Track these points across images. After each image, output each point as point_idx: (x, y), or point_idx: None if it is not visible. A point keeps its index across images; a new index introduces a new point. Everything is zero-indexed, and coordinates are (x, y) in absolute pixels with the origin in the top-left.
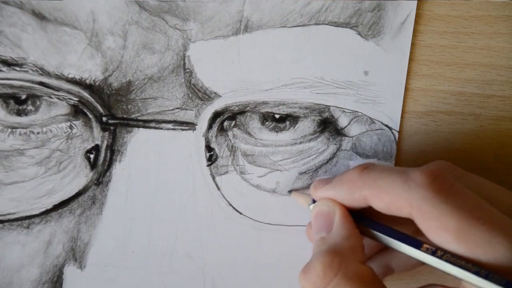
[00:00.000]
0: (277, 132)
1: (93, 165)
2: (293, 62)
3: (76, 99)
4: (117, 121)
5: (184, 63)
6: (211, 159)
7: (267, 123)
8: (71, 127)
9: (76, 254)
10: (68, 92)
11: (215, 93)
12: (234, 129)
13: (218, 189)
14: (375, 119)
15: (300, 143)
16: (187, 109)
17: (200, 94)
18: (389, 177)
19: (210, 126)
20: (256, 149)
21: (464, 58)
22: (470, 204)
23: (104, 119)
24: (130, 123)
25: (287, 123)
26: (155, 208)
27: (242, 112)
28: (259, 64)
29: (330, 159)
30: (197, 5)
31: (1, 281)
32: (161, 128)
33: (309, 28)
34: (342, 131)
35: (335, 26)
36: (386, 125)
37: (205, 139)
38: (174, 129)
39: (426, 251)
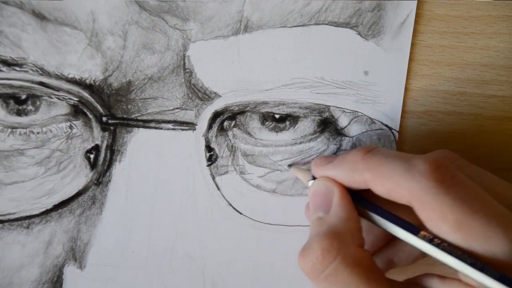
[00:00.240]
0: (277, 132)
1: (93, 165)
2: (293, 62)
3: (76, 99)
4: (117, 121)
5: (184, 63)
6: (211, 159)
7: (267, 123)
8: (71, 127)
9: (76, 254)
10: (68, 92)
11: (215, 93)
12: (234, 129)
13: (218, 189)
14: (375, 119)
15: (300, 143)
16: (187, 109)
17: (200, 94)
18: (391, 163)
19: (210, 126)
20: (256, 149)
21: (464, 58)
22: (470, 196)
23: (104, 119)
24: (130, 123)
25: (287, 123)
26: (155, 208)
27: (242, 112)
28: (259, 64)
29: None
30: (197, 5)
31: (1, 281)
32: (161, 128)
33: (309, 28)
34: (342, 131)
35: (335, 26)
36: (386, 125)
37: (205, 139)
38: (174, 129)
39: (423, 238)
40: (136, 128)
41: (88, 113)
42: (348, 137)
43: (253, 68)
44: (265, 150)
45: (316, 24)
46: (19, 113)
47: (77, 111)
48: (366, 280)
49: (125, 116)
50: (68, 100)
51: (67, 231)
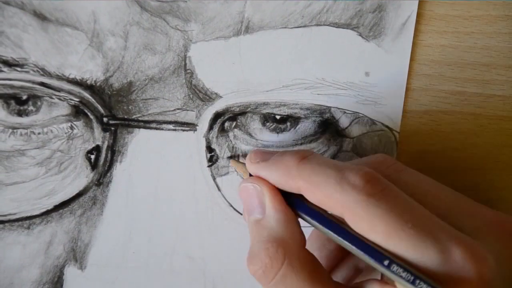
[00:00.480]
0: (278, 133)
1: (94, 166)
2: (294, 63)
3: (77, 99)
4: (118, 122)
5: (185, 64)
6: (212, 160)
7: (268, 124)
8: (72, 127)
9: (76, 254)
10: (69, 92)
11: (216, 93)
12: (235, 130)
13: (219, 190)
14: (376, 120)
15: (301, 144)
16: (188, 110)
17: (201, 95)
18: (324, 173)
19: (211, 127)
20: None
21: (464, 57)
22: (401, 207)
23: (105, 119)
24: (131, 123)
25: (288, 124)
26: (156, 209)
27: (243, 113)
28: (260, 65)
29: None
30: (198, 6)
31: (2, 282)
32: (162, 129)
33: (310, 29)
34: (343, 132)
35: (336, 27)
36: (387, 126)
37: (206, 140)
38: (175, 129)
39: (345, 237)
40: (137, 129)
41: (89, 113)
42: (349, 138)
43: (254, 69)
44: None
45: (317, 25)
46: (20, 113)
47: (78, 112)
48: (312, 281)
49: (126, 117)
50: (69, 100)
51: (68, 232)
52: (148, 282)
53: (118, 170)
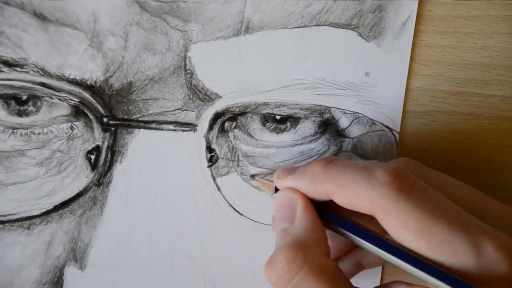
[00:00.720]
0: (277, 133)
1: (94, 166)
2: (294, 63)
3: (77, 100)
4: (118, 122)
5: (185, 64)
6: (212, 160)
7: (267, 124)
8: (72, 127)
9: (76, 254)
10: (69, 93)
11: (216, 94)
12: (235, 130)
13: (219, 190)
14: (375, 120)
15: (301, 144)
16: (188, 110)
17: (201, 95)
18: (352, 173)
19: (211, 127)
20: (256, 150)
21: (464, 58)
22: (432, 203)
23: (105, 120)
24: (131, 124)
25: (288, 124)
26: (156, 209)
27: (243, 113)
28: (260, 65)
29: None
30: (198, 6)
31: (2, 282)
32: (162, 129)
33: (310, 29)
34: (343, 132)
35: (336, 27)
36: (387, 126)
37: (206, 140)
38: (175, 130)
39: (383, 247)
40: (137, 129)
41: (89, 114)
42: (349, 138)
43: (254, 69)
44: (266, 151)
45: (317, 25)
46: (20, 113)
47: (78, 112)
48: None
49: (126, 117)
50: (69, 101)
51: (68, 232)
52: (148, 282)
53: (118, 170)
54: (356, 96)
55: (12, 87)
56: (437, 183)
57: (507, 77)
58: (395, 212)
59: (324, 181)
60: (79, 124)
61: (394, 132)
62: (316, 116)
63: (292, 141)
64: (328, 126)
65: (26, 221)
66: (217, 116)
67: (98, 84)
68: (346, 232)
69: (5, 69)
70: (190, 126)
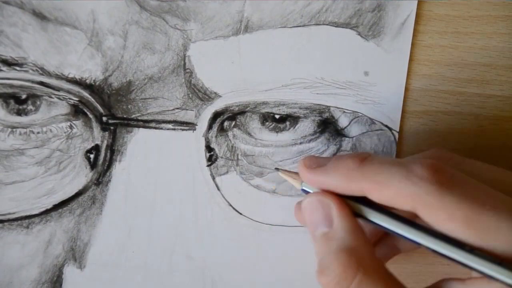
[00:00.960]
0: (277, 132)
1: (93, 165)
2: (293, 62)
3: (76, 99)
4: (117, 121)
5: (185, 63)
6: (211, 159)
7: (267, 123)
8: (71, 127)
9: (75, 254)
10: (68, 92)
11: (215, 93)
12: (234, 129)
13: (218, 189)
14: (375, 120)
15: (300, 143)
16: (187, 109)
17: (200, 94)
18: (389, 171)
19: (210, 126)
20: (256, 150)
21: (464, 58)
22: (474, 192)
23: (104, 119)
24: (130, 123)
25: (287, 123)
26: (155, 208)
27: (242, 112)
28: (259, 64)
29: None
30: (197, 5)
31: (1, 281)
32: (161, 128)
33: (310, 28)
34: (342, 131)
35: (336, 26)
36: (386, 126)
37: (205, 139)
38: (174, 129)
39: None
40: (136, 128)
41: (88, 113)
42: (348, 137)
43: (253, 68)
44: (265, 151)
45: (317, 24)
46: (19, 112)
47: (77, 111)
48: None
49: (125, 116)
50: (68, 100)
51: (67, 231)
52: (147, 281)
53: (117, 170)
54: (355, 95)
55: (11, 86)
56: (473, 170)
57: (507, 77)
58: (440, 206)
59: (359, 179)
60: (78, 123)
61: (393, 131)
62: (316, 115)
63: (291, 140)
64: (327, 125)
65: (25, 220)
66: (216, 115)
67: (97, 83)
68: (385, 224)
69: (4, 68)
70: (189, 125)
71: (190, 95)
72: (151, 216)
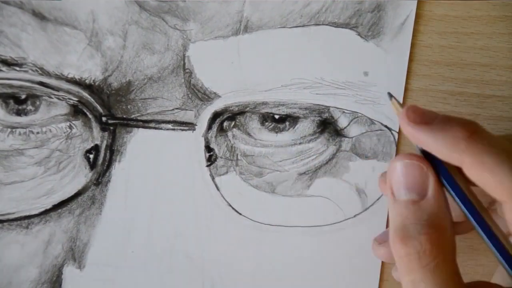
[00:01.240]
0: (276, 132)
1: (92, 165)
2: (293, 62)
3: (76, 99)
4: (116, 121)
5: (184, 63)
6: (211, 159)
7: (266, 123)
8: (70, 127)
9: (75, 254)
10: (68, 92)
11: (214, 93)
12: (234, 129)
13: (218, 189)
14: (374, 120)
15: (300, 143)
16: (186, 110)
17: (199, 94)
18: (498, 155)
19: (209, 127)
20: (255, 150)
21: (464, 58)
22: None
23: (104, 119)
24: (130, 123)
25: (287, 123)
26: (155, 208)
27: (241, 113)
28: (259, 65)
29: (330, 159)
30: (197, 5)
31: (0, 281)
32: (161, 128)
33: (309, 28)
34: (341, 132)
35: (335, 26)
36: (386, 126)
37: (205, 139)
38: (173, 129)
39: None
40: (136, 128)
41: (87, 113)
42: (348, 137)
43: (253, 69)
44: (264, 151)
45: (316, 24)
46: (18, 113)
47: (76, 111)
48: (453, 282)
49: (124, 116)
50: (67, 100)
51: (67, 231)
52: (147, 281)
53: (117, 170)
54: (355, 95)
55: (10, 86)
56: None
57: (506, 78)
58: None
59: (464, 151)
60: (77, 123)
61: (393, 131)
62: (315, 116)
63: (291, 141)
64: (327, 125)
65: (24, 220)
66: (216, 115)
67: (97, 83)
68: (461, 204)
69: (4, 68)
70: (189, 125)
71: (190, 95)
72: (150, 216)
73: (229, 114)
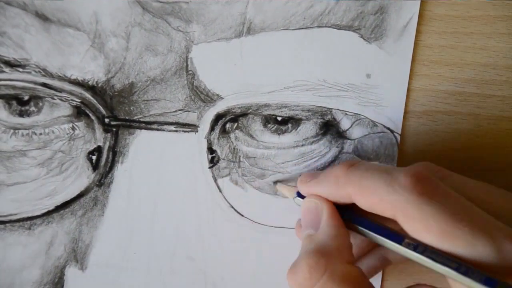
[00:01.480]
0: (279, 134)
1: (95, 167)
2: (296, 64)
3: (79, 100)
4: (119, 123)
5: (187, 65)
6: (213, 161)
7: (269, 125)
8: (73, 128)
9: (77, 255)
10: (71, 93)
11: (217, 95)
12: (236, 131)
13: (220, 191)
14: (377, 122)
15: (302, 145)
16: (189, 111)
17: (202, 96)
18: (373, 177)
19: (212, 128)
20: (258, 152)
21: (464, 58)
22: (453, 206)
23: (107, 120)
24: (132, 124)
25: (289, 125)
26: (157, 210)
27: (244, 114)
28: (262, 67)
29: (332, 161)
30: (200, 7)
31: (3, 282)
32: (163, 130)
33: (312, 30)
34: (344, 133)
35: (338, 29)
36: (388, 128)
37: (207, 141)
38: (176, 131)
39: (408, 246)
40: (139, 130)
41: (90, 114)
42: (350, 139)
43: (255, 71)
44: (267, 153)
45: (319, 26)
46: (21, 114)
47: (79, 113)
48: None
49: (127, 118)
50: (70, 101)
51: (69, 232)
52: (149, 283)
53: (119, 171)
54: (357, 97)
55: (13, 87)
56: (459, 185)
57: (506, 77)
58: (417, 216)
59: (345, 184)
60: (80, 124)
61: (395, 133)
62: (318, 118)
63: (293, 143)
64: (329, 127)
65: (27, 221)
66: (218, 117)
67: (99, 85)
68: (369, 232)
69: (7, 69)
70: (192, 127)
71: (192, 97)
72: (152, 218)
73: (232, 116)
